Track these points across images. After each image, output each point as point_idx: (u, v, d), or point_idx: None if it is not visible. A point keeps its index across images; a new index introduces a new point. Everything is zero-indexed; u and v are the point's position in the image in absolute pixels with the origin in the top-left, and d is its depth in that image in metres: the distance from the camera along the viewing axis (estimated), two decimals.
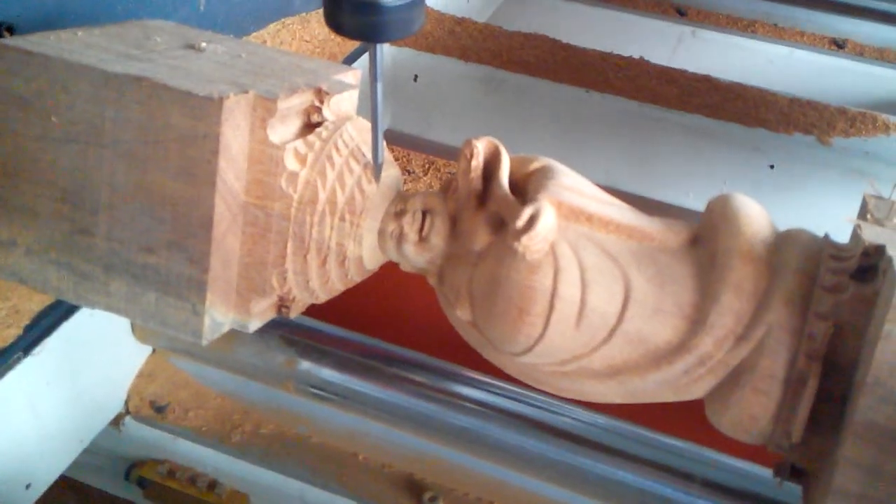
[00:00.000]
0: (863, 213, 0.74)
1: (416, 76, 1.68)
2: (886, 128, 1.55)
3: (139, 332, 1.15)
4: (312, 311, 1.09)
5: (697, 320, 0.71)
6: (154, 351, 1.22)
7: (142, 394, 1.19)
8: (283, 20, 1.39)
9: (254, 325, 0.80)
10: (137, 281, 0.77)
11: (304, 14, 1.45)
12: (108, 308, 0.79)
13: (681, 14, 2.37)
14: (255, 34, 1.32)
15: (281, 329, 1.13)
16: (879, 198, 0.76)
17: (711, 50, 2.23)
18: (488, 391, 1.09)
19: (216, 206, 0.73)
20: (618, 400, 0.76)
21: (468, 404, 1.09)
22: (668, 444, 1.03)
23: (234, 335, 1.12)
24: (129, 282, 0.78)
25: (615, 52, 1.70)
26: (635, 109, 1.60)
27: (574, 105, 1.62)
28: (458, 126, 1.68)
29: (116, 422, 1.19)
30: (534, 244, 0.71)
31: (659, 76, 1.64)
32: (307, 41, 1.41)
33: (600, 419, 1.05)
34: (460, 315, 0.78)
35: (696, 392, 0.73)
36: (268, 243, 0.77)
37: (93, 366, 1.10)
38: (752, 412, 0.70)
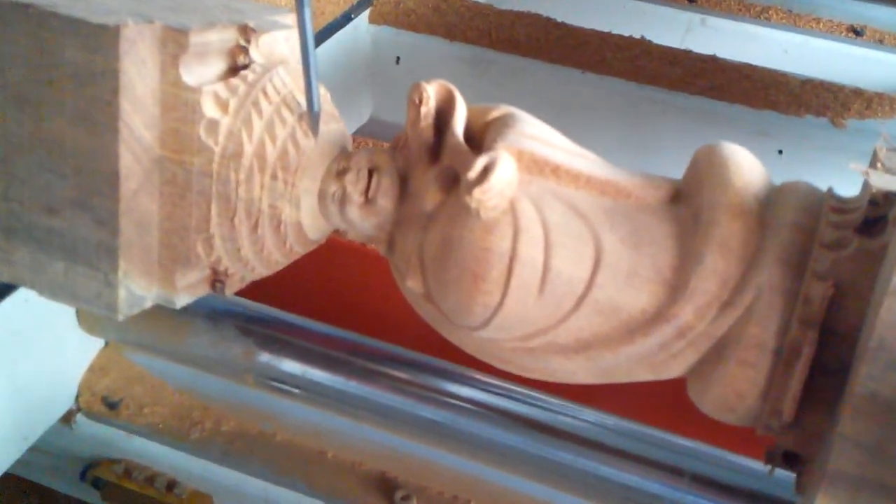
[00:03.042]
0: (873, 165, 0.64)
1: (398, 58, 1.59)
2: None
3: (85, 322, 1.06)
4: (271, 299, 1.01)
5: (677, 286, 0.62)
6: (107, 344, 1.13)
7: (93, 389, 1.11)
8: None
9: (181, 300, 0.71)
10: (42, 247, 0.68)
11: None
12: (13, 279, 0.70)
13: (690, 0, 2.27)
14: None
15: (237, 318, 1.04)
16: (892, 149, 0.66)
17: (722, 38, 2.13)
18: (463, 383, 1.00)
19: (121, 156, 0.63)
20: (589, 379, 0.67)
21: (442, 397, 1.00)
22: (655, 437, 0.95)
23: (186, 324, 1.04)
24: (32, 249, 0.68)
25: None
26: (635, 92, 1.52)
27: (569, 87, 1.53)
28: None
29: (68, 419, 1.11)
30: (488, 198, 0.62)
31: (661, 56, 1.55)
32: (285, 6, 1.31)
33: (582, 411, 0.96)
34: (411, 286, 0.69)
35: (675, 369, 0.64)
36: (189, 205, 0.67)
37: (33, 359, 1.02)
38: (738, 388, 0.60)
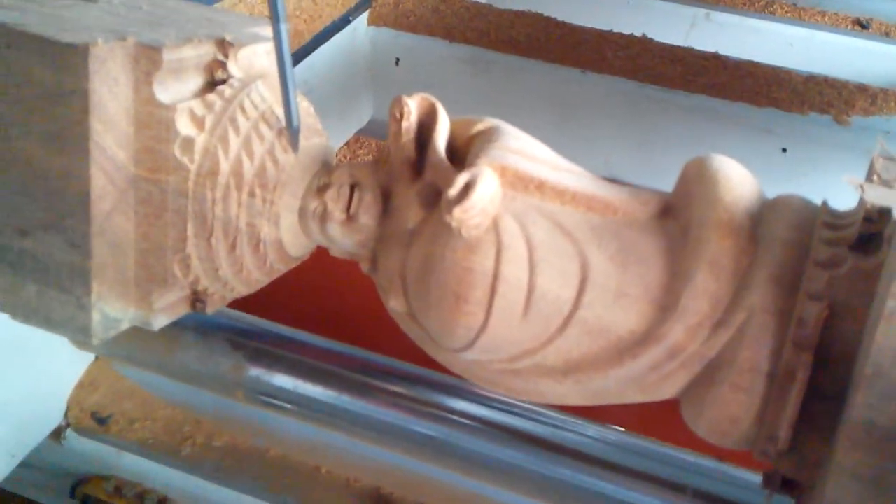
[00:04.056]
0: (870, 177, 0.62)
1: (397, 59, 1.57)
2: None
3: None
4: (264, 308, 0.98)
5: (667, 305, 0.59)
6: (97, 358, 1.11)
7: (82, 404, 1.09)
8: None
9: (159, 321, 0.69)
10: (15, 270, 0.66)
11: None
12: None
13: None
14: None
15: (227, 331, 1.02)
16: (890, 158, 0.63)
17: (727, 33, 2.11)
18: (460, 397, 0.97)
19: (93, 177, 0.62)
20: (579, 401, 0.65)
21: (438, 412, 0.97)
22: (657, 452, 0.92)
23: (175, 338, 1.02)
24: (6, 271, 0.66)
25: None
26: (636, 91, 1.49)
27: (569, 87, 1.51)
28: None
29: (57, 435, 1.08)
30: (469, 217, 0.59)
31: (662, 55, 1.52)
32: (268, 16, 1.29)
33: (581, 425, 0.94)
34: (394, 305, 0.67)
35: (667, 391, 0.62)
36: (165, 224, 0.66)
37: (22, 374, 1.00)
38: (732, 413, 0.58)
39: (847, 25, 2.25)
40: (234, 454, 1.07)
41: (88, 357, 1.11)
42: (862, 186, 0.57)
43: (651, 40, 1.56)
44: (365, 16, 1.58)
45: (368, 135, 1.79)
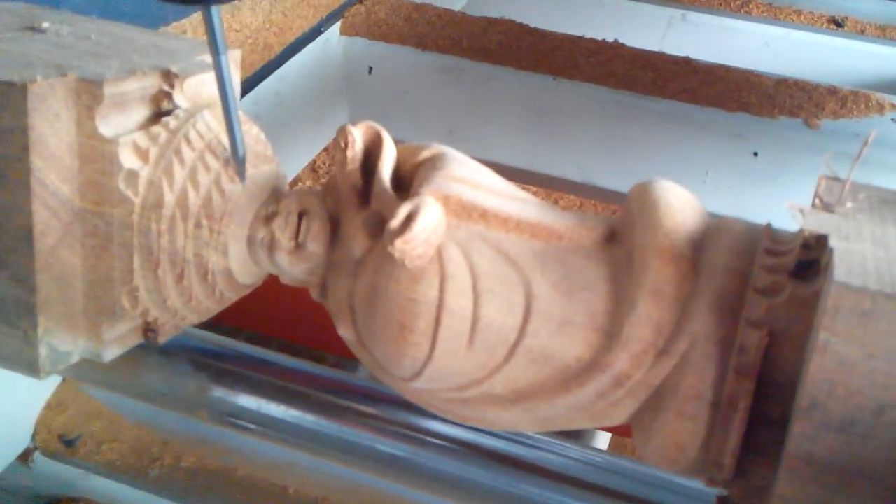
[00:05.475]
0: (814, 200, 0.62)
1: (370, 68, 1.57)
2: (881, 107, 1.43)
3: None
4: (238, 317, 0.98)
5: (611, 333, 0.59)
6: (64, 380, 1.11)
7: (50, 426, 1.09)
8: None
9: (109, 353, 0.69)
10: None
11: (235, 1, 1.33)
12: None
13: None
14: (174, 24, 1.20)
15: (192, 351, 1.01)
16: (835, 178, 0.63)
17: (703, 34, 2.11)
18: (428, 416, 0.96)
19: (35, 213, 0.61)
20: (529, 428, 0.65)
21: (407, 431, 0.97)
22: (623, 467, 0.91)
23: (140, 359, 1.01)
24: None
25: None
26: (607, 97, 1.49)
27: (541, 94, 1.51)
28: (417, 121, 1.58)
29: (25, 458, 1.08)
30: (412, 248, 0.59)
31: (633, 60, 1.53)
32: (237, 31, 1.29)
33: (552, 444, 0.93)
34: (343, 333, 0.67)
35: (616, 417, 0.61)
36: (111, 257, 0.65)
37: None
38: (678, 440, 0.57)
39: (822, 24, 2.25)
40: (201, 475, 1.06)
41: (56, 378, 1.11)
42: (801, 211, 0.57)
43: (622, 46, 1.56)
44: (337, 26, 1.58)
45: None
